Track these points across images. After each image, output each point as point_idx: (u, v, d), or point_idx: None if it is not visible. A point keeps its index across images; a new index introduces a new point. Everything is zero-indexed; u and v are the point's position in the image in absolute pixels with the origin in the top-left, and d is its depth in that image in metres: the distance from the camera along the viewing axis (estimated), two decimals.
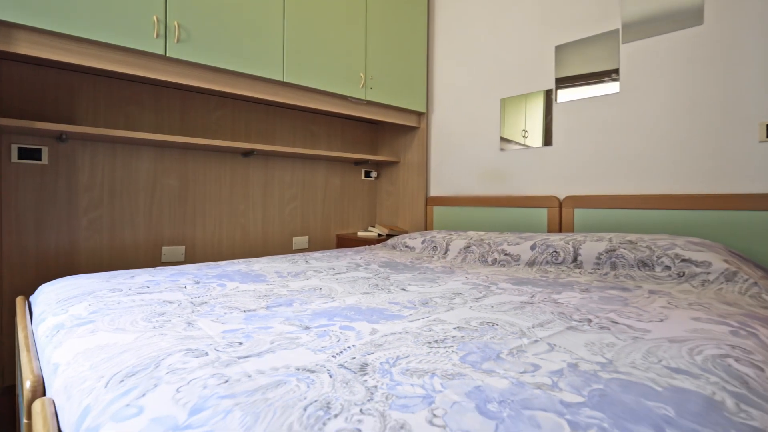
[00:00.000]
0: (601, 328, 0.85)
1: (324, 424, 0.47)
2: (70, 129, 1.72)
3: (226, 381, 0.58)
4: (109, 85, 2.04)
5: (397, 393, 0.55)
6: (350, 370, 0.62)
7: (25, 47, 1.50)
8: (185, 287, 1.25)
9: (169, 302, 1.07)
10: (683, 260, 1.34)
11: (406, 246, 2.25)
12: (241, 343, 0.75)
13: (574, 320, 0.91)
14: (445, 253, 2.02)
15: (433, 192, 2.86)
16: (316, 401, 0.52)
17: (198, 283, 1.32)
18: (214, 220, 2.41)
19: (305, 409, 0.50)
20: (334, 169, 2.96)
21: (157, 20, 1.72)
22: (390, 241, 2.39)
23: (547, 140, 2.24)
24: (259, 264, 1.74)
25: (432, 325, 0.86)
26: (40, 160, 1.89)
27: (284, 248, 2.72)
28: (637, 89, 1.94)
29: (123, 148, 2.09)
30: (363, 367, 0.63)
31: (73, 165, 1.96)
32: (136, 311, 0.97)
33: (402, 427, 0.46)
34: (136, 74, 1.72)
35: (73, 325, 0.90)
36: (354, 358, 0.67)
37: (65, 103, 1.94)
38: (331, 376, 0.60)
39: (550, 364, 0.66)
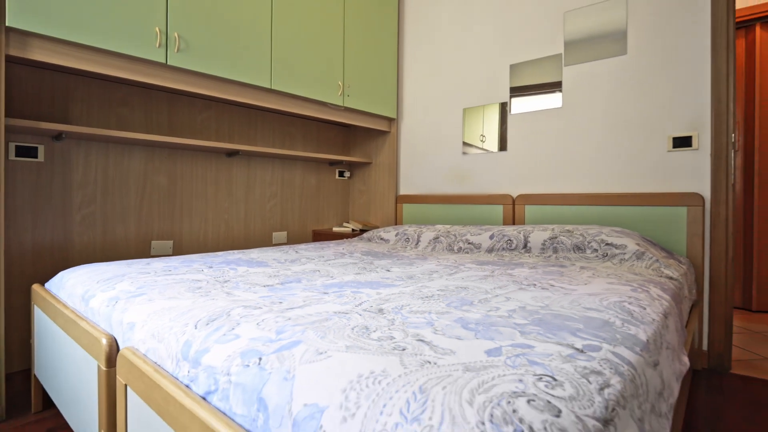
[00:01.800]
0: (543, 288, 1.16)
1: (368, 334, 0.73)
2: (68, 129, 1.85)
3: (289, 319, 0.82)
4: (102, 87, 2.16)
5: (409, 321, 0.81)
6: (372, 312, 0.88)
7: (39, 54, 1.62)
8: (202, 270, 1.45)
9: (198, 281, 1.27)
10: (607, 244, 1.71)
11: (381, 238, 2.52)
12: (281, 302, 0.98)
13: (524, 284, 1.21)
14: (417, 243, 2.31)
15: (403, 191, 3.14)
16: (357, 326, 0.78)
17: (211, 267, 1.52)
18: (200, 216, 2.56)
19: (353, 329, 0.75)
20: (310, 169, 3.18)
21: (159, 31, 1.88)
22: (366, 235, 2.65)
23: (503, 146, 2.59)
24: (255, 253, 1.94)
25: (420, 289, 1.14)
26: (36, 157, 1.99)
27: (264, 243, 2.91)
28: (576, 105, 2.32)
29: (115, 147, 2.21)
30: (380, 310, 0.90)
31: (68, 163, 2.07)
32: (176, 286, 1.17)
33: (417, 335, 0.73)
34: (140, 80, 1.88)
35: (128, 297, 1.09)
36: (371, 306, 0.93)
37: (60, 104, 2.04)
38: (360, 315, 0.85)
39: (507, 306, 0.95)
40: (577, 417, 0.49)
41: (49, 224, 2.01)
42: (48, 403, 1.67)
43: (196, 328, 0.82)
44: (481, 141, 2.68)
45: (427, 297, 1.04)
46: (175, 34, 1.93)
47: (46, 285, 1.58)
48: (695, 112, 1.96)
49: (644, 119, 2.11)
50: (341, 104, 2.71)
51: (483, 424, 0.45)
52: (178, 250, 2.48)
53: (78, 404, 1.13)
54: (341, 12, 2.70)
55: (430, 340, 0.71)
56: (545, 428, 0.46)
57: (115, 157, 2.22)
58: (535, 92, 2.45)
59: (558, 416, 0.48)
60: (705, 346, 1.96)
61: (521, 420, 0.46)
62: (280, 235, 2.99)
